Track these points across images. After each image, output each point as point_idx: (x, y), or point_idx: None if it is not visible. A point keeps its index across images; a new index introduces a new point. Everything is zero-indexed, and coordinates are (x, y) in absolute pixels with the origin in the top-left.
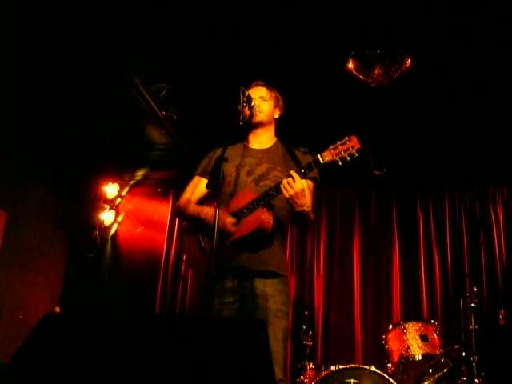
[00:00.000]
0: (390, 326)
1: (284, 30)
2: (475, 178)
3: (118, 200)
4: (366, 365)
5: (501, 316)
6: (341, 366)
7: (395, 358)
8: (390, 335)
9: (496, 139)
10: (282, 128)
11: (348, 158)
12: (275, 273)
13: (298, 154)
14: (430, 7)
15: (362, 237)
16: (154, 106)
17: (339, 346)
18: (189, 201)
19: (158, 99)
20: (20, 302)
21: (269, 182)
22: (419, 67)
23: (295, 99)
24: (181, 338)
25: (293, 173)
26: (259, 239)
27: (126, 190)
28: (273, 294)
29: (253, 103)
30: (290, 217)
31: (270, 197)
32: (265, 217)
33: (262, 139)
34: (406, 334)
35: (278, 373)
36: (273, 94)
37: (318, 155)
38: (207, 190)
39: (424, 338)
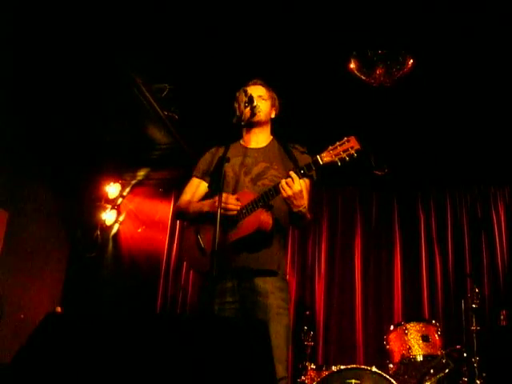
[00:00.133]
0: (392, 327)
1: (286, 29)
2: (477, 179)
3: (120, 200)
4: (367, 365)
5: (502, 317)
6: (342, 367)
7: (396, 358)
8: (391, 336)
9: (498, 140)
10: (284, 128)
11: (347, 159)
12: (275, 272)
13: (296, 152)
14: (432, 7)
15: (364, 237)
16: (156, 106)
17: (340, 346)
18: (189, 201)
19: (160, 99)
20: (21, 302)
21: (266, 181)
22: (421, 68)
23: (297, 99)
24: (181, 338)
25: (292, 174)
26: (259, 240)
27: (127, 189)
28: (273, 291)
29: (255, 103)
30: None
31: (269, 197)
32: (264, 217)
33: (259, 138)
34: (407, 334)
35: (281, 370)
36: (270, 94)
37: (318, 156)
38: (206, 191)
39: (425, 338)
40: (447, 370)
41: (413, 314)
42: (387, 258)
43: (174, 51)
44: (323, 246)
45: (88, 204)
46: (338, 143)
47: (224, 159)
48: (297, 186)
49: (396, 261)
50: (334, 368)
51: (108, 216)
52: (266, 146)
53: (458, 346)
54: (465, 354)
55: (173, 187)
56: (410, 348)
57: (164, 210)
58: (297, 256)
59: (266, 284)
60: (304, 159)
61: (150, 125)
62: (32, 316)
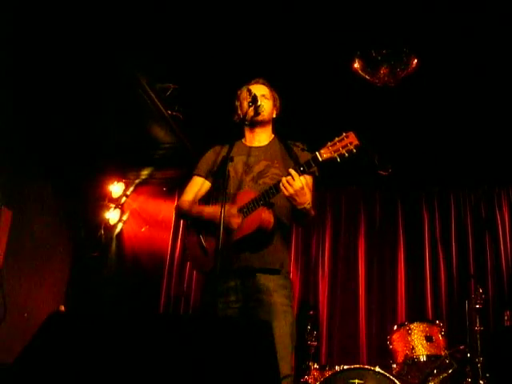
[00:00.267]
0: (395, 327)
1: (290, 29)
2: (481, 179)
3: (123, 199)
4: (370, 365)
5: (506, 317)
6: (345, 367)
7: (400, 358)
8: (395, 336)
9: (502, 140)
10: (289, 128)
11: (346, 155)
12: (278, 270)
13: (296, 150)
14: (435, 7)
15: (367, 237)
16: (160, 105)
17: (344, 346)
18: (190, 202)
19: (163, 98)
20: (25, 301)
21: (267, 180)
22: (425, 68)
23: (301, 99)
24: (184, 337)
25: (292, 171)
26: (260, 238)
27: (131, 189)
28: (276, 289)
29: (259, 103)
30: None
31: (270, 195)
32: (265, 216)
33: (260, 137)
34: (410, 334)
35: (286, 368)
36: (272, 94)
37: (317, 153)
38: (207, 190)
39: (429, 338)
40: (451, 371)
41: (416, 314)
42: (391, 258)
43: (177, 51)
44: (327, 246)
45: (92, 203)
46: (336, 139)
47: (228, 159)
48: (297, 183)
49: (400, 261)
50: (337, 368)
51: (111, 215)
52: (268, 145)
53: (461, 347)
54: (468, 355)
55: (176, 186)
56: (413, 348)
57: (168, 209)
58: (300, 256)
59: (269, 282)
60: (304, 156)
61: (153, 124)
62: (35, 315)
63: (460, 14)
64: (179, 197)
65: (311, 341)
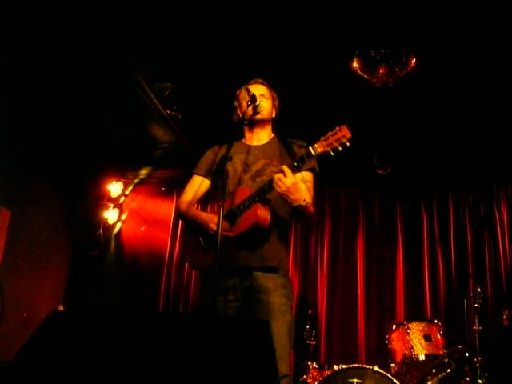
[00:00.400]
0: (394, 326)
1: (289, 29)
2: (480, 179)
3: (122, 198)
4: (369, 364)
5: (504, 316)
6: (344, 366)
7: (398, 357)
8: (394, 335)
9: (501, 140)
10: (287, 128)
11: (340, 149)
12: (276, 268)
13: (295, 147)
14: (434, 6)
15: (366, 236)
16: (158, 105)
17: (342, 345)
18: (189, 203)
19: (162, 98)
20: (24, 301)
21: (265, 178)
22: (424, 67)
23: (299, 98)
24: (184, 337)
25: (284, 168)
26: (257, 235)
27: (129, 188)
28: (275, 289)
29: (257, 102)
30: (291, 212)
31: (265, 192)
32: (261, 212)
33: (260, 136)
34: (409, 333)
35: (284, 368)
36: (271, 94)
37: (310, 147)
38: (207, 189)
39: (427, 338)
40: (449, 370)
41: (415, 313)
42: (390, 258)
43: (176, 50)
44: (326, 246)
45: (90, 203)
46: (330, 133)
47: (226, 158)
48: (289, 180)
49: (398, 260)
50: (336, 367)
51: (110, 215)
52: (267, 144)
53: (460, 346)
54: (467, 354)
55: (175, 186)
56: (412, 347)
57: (166, 209)
58: (299, 255)
59: (267, 281)
60: (302, 153)
61: (152, 124)
62: (34, 315)
63: (459, 13)
64: (178, 196)
65: (310, 340)
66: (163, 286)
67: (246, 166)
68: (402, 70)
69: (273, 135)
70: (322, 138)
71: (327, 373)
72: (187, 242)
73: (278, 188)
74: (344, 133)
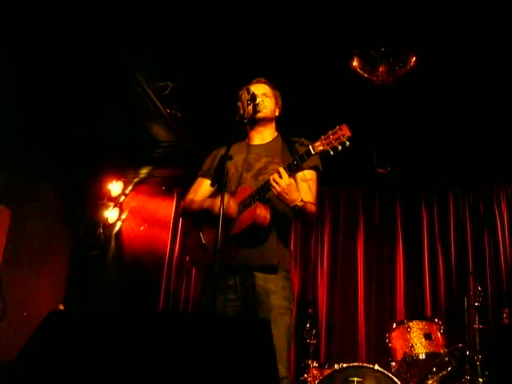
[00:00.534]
0: (394, 325)
1: (289, 28)
2: (480, 177)
3: (122, 198)
4: (369, 363)
5: (505, 315)
6: (344, 365)
7: (399, 356)
8: (394, 334)
9: (501, 138)
10: (288, 127)
11: (339, 148)
12: (275, 266)
13: (297, 146)
14: (434, 5)
15: (366, 235)
16: (158, 104)
17: (343, 344)
18: (193, 200)
19: (162, 97)
20: (24, 300)
21: (267, 176)
22: (423, 66)
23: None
24: (184, 336)
25: (280, 169)
26: (257, 234)
27: (129, 187)
28: (275, 291)
29: (257, 101)
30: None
31: (264, 191)
32: (260, 211)
33: (264, 135)
34: (409, 332)
35: (282, 370)
36: (274, 92)
37: (310, 146)
38: (211, 190)
39: (428, 336)
40: (450, 368)
41: (415, 311)
42: (390, 256)
43: (176, 49)
44: (326, 244)
45: (91, 202)
46: (330, 132)
47: (226, 157)
48: (284, 181)
49: (398, 259)
50: (336, 366)
51: (110, 214)
52: (270, 142)
53: (460, 345)
54: (467, 352)
55: (175, 185)
56: (412, 346)
57: (166, 208)
58: (299, 254)
59: (268, 283)
60: (302, 151)
61: (152, 123)
62: (35, 314)
63: (458, 11)
64: (178, 195)
65: (310, 339)
66: (163, 285)
67: (249, 165)
68: (401, 69)
69: (277, 134)
70: (323, 136)
71: (327, 372)
72: (186, 240)
73: (273, 189)
74: (344, 132)
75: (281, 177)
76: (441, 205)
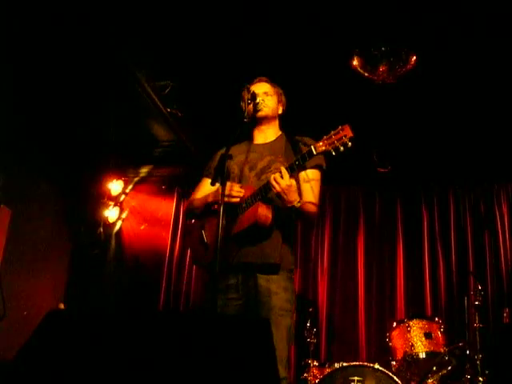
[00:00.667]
0: (394, 324)
1: (289, 27)
2: (480, 176)
3: (122, 197)
4: (369, 362)
5: (505, 314)
6: (344, 364)
7: (399, 355)
8: (394, 333)
9: (501, 137)
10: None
11: (341, 148)
12: (277, 266)
13: (301, 145)
14: (435, 4)
15: (366, 234)
16: (159, 103)
17: (343, 343)
18: (195, 198)
19: (162, 96)
20: (24, 299)
21: (270, 175)
22: (424, 65)
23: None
24: (184, 335)
25: (282, 169)
26: (258, 233)
27: (130, 186)
28: (276, 292)
29: (257, 100)
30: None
31: (266, 190)
32: (262, 210)
33: (267, 134)
34: (410, 331)
35: (282, 371)
36: (276, 90)
37: (312, 146)
38: (212, 188)
39: (428, 335)
40: (450, 368)
41: (415, 311)
42: (390, 256)
43: (176, 48)
44: (326, 243)
45: (91, 201)
46: (332, 132)
47: (226, 156)
48: (285, 182)
49: (399, 258)
50: (336, 365)
51: (111, 213)
52: (273, 141)
53: (460, 344)
54: (468, 352)
55: (175, 184)
56: (412, 345)
57: (167, 207)
58: (300, 253)
59: (269, 284)
60: (305, 151)
61: (152, 122)
62: (35, 313)
63: (459, 11)
64: (178, 195)
65: (310, 338)
66: (164, 284)
67: (252, 164)
68: (402, 68)
69: (280, 133)
70: (325, 137)
71: (328, 371)
72: (190, 237)
73: (273, 188)
74: (346, 132)
75: (282, 177)
76: (441, 204)
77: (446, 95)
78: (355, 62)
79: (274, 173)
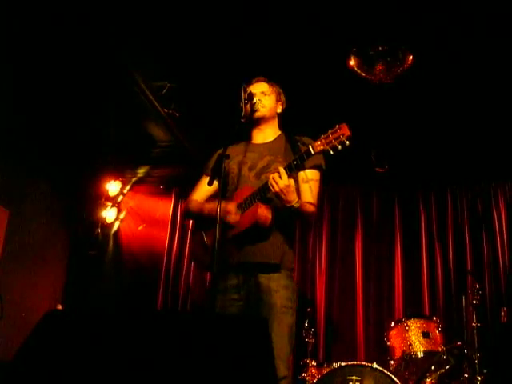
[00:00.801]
0: (392, 323)
1: (287, 27)
2: (477, 175)
3: (120, 197)
4: (367, 362)
5: (502, 313)
6: (343, 363)
7: (397, 355)
8: (392, 332)
9: (498, 136)
10: (286, 126)
11: (339, 147)
12: (277, 265)
13: (299, 145)
14: (432, 4)
15: (364, 234)
16: (156, 104)
17: (341, 343)
18: (193, 200)
19: (160, 97)
20: (22, 300)
21: (269, 175)
22: (421, 64)
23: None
24: (182, 335)
25: (280, 169)
26: (259, 233)
27: (127, 187)
28: (277, 290)
29: (254, 100)
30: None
31: (266, 190)
32: (261, 211)
33: (266, 134)
34: (408, 330)
35: (283, 369)
36: (274, 89)
37: (309, 145)
38: (213, 189)
39: (426, 334)
40: (448, 367)
41: (413, 310)
42: (388, 255)
43: (174, 49)
44: (324, 243)
45: (88, 202)
46: (330, 131)
47: (223, 156)
48: (283, 182)
49: (397, 257)
50: (334, 365)
51: (109, 214)
52: (273, 141)
53: (458, 343)
54: (465, 351)
55: (173, 185)
56: (410, 344)
57: (164, 208)
58: (298, 253)
59: (270, 282)
60: (303, 151)
61: (150, 122)
62: (33, 314)
63: (456, 10)
64: (176, 195)
65: (309, 338)
66: (162, 285)
67: (251, 164)
68: (399, 68)
69: (280, 132)
70: (322, 136)
71: (326, 370)
72: (191, 238)
73: (271, 188)
74: (343, 131)
75: (280, 177)
76: (439, 204)
77: (443, 95)
78: (352, 62)
79: (274, 173)
